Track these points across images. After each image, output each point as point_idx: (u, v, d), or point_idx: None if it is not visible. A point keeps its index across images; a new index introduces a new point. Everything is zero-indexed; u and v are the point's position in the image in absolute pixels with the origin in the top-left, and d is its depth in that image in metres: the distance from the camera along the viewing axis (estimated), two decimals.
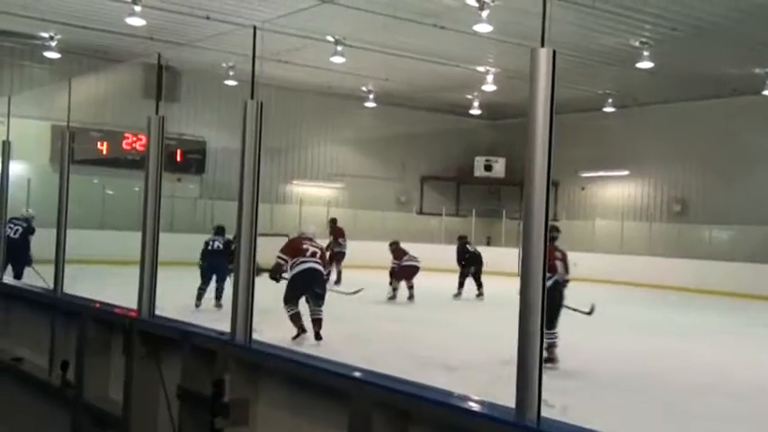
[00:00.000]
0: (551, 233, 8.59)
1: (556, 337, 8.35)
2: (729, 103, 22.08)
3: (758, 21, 15.15)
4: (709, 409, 6.89)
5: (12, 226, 12.48)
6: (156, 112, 4.73)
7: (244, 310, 3.85)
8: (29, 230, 13.23)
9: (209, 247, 12.49)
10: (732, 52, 17.41)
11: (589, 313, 9.55)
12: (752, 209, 21.05)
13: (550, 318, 8.12)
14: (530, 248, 2.62)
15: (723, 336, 12.33)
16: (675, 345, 10.82)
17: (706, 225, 22.65)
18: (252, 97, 3.96)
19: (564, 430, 2.53)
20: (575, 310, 9.23)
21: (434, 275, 21.86)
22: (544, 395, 2.57)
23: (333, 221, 18.64)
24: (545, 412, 2.54)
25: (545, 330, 7.21)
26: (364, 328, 11.12)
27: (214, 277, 12.18)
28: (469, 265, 16.38)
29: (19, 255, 12.23)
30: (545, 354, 8.18)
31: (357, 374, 3.19)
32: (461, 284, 16.29)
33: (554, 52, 2.68)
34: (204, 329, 4.16)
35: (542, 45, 2.71)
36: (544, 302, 2.59)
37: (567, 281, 8.60)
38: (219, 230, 12.91)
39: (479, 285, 16.20)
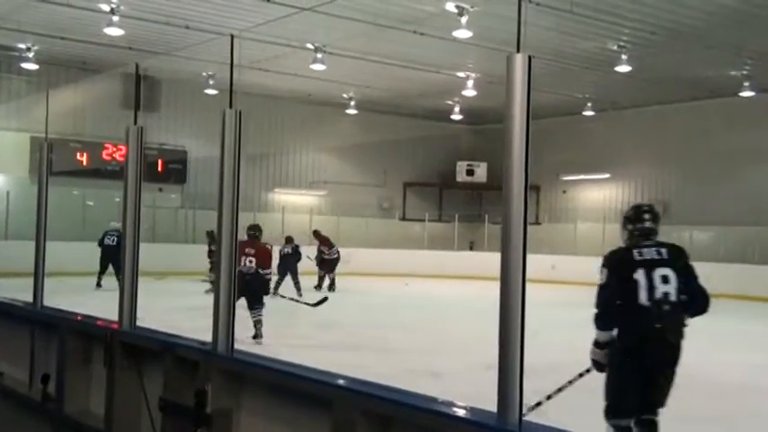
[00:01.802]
0: (252, 231, 10.32)
1: (261, 315, 9.80)
2: (707, 105, 22.31)
3: (734, 23, 15.35)
4: (686, 410, 6.93)
5: (109, 236, 16.15)
6: (135, 123, 4.71)
7: (225, 320, 3.84)
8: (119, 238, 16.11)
9: (281, 253, 16.02)
10: (709, 55, 17.60)
11: (314, 305, 11.48)
12: (731, 210, 21.27)
13: (251, 300, 9.78)
14: (509, 253, 2.64)
15: (703, 336, 12.38)
16: None
17: (687, 227, 22.81)
18: (230, 106, 3.95)
19: None
20: (297, 301, 11.64)
21: (418, 281, 21.92)
22: (526, 398, 2.58)
23: (315, 233, 19.15)
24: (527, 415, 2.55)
25: (250, 309, 8.62)
26: (347, 334, 11.10)
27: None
28: (325, 264, 18.28)
29: (116, 259, 14.36)
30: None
31: (340, 382, 3.20)
32: (321, 280, 18.32)
33: (530, 58, 2.70)
34: (186, 340, 4.14)
35: (518, 50, 2.73)
36: (524, 307, 2.60)
37: (267, 273, 10.35)
38: (289, 239, 16.86)
39: (332, 281, 18.30)
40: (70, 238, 17.83)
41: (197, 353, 3.86)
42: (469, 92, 21.32)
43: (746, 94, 19.88)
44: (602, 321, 4.60)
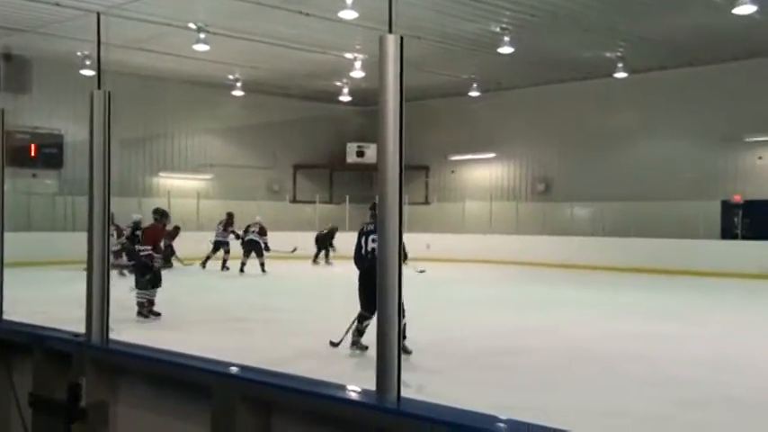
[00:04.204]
0: (155, 215, 11.32)
1: (142, 298, 10.61)
2: (584, 86, 23.26)
3: (609, 7, 16.03)
4: (569, 380, 7.24)
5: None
6: None
7: (99, 309, 3.69)
8: (136, 228, 17.39)
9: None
10: (585, 37, 18.31)
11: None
12: (609, 186, 22.32)
13: (136, 278, 10.81)
14: (384, 234, 2.65)
15: (585, 308, 12.98)
16: (541, 319, 11.29)
17: (567, 203, 23.79)
18: (99, 87, 3.77)
19: (422, 408, 2.57)
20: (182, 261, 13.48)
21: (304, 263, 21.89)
22: (405, 376, 2.61)
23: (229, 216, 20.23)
24: (404, 392, 2.58)
25: (146, 290, 10.10)
26: (237, 318, 10.96)
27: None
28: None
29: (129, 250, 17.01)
30: (147, 308, 10.58)
31: (218, 368, 3.13)
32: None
33: (401, 38, 2.70)
34: (57, 332, 3.95)
35: (390, 31, 2.73)
36: (401, 287, 2.62)
37: (142, 251, 10.84)
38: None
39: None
40: None
41: (69, 345, 3.69)
42: (357, 73, 21.34)
43: (620, 75, 20.85)
44: (355, 262, 8.29)
